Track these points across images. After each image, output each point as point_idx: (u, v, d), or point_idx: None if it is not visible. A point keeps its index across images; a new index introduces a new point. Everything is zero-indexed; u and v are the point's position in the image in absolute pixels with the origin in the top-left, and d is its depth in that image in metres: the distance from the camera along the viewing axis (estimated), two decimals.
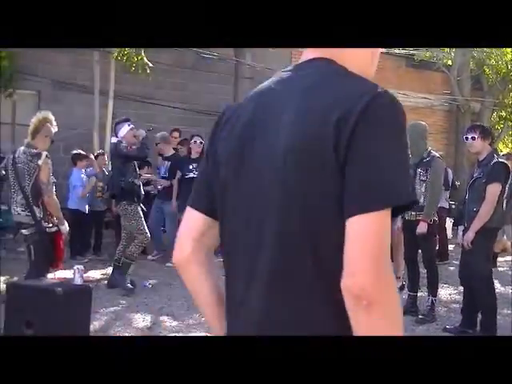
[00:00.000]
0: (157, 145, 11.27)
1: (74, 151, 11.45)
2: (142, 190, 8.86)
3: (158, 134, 11.20)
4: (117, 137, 8.66)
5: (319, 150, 1.48)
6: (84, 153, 11.41)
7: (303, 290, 1.55)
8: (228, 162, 1.69)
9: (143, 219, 8.68)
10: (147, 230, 8.64)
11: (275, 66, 16.36)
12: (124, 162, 8.55)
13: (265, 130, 1.62)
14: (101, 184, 11.33)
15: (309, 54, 1.70)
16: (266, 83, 1.73)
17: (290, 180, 1.53)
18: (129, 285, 8.47)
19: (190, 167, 10.11)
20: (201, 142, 10.28)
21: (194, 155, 10.27)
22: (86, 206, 11.05)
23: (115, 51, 12.80)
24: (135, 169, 8.77)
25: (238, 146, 1.67)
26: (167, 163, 11.01)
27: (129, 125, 8.68)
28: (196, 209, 1.80)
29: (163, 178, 11.02)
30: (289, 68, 1.73)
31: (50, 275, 6.50)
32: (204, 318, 1.89)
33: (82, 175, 11.12)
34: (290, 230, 1.54)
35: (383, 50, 1.77)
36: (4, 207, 11.19)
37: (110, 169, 8.74)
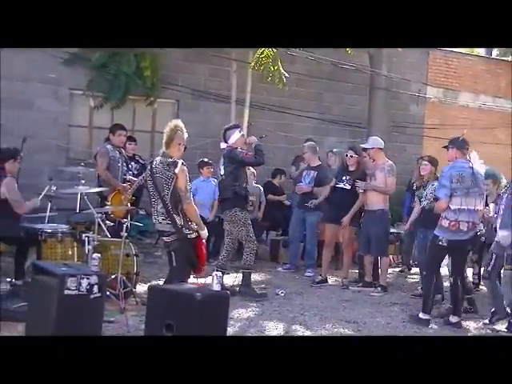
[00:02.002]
0: (303, 154, 11.05)
1: (201, 159, 11.66)
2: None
3: (306, 144, 11.10)
4: (226, 143, 8.65)
5: None
6: (208, 160, 11.50)
7: None
8: None
9: (252, 226, 8.71)
10: (255, 237, 8.71)
11: (411, 77, 16.18)
12: (238, 168, 8.56)
13: None
14: None
15: None
16: None
17: None
18: (257, 291, 8.62)
19: (343, 178, 9.85)
20: (351, 156, 9.90)
21: (351, 168, 9.90)
22: (209, 213, 11.04)
23: (252, 61, 13.00)
24: (246, 175, 8.84)
25: None
26: (313, 173, 10.74)
27: (239, 131, 8.73)
28: None
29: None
30: None
31: (190, 280, 6.66)
32: None
33: (202, 182, 11.24)
34: None
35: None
36: (142, 212, 11.58)
37: (221, 174, 8.77)
